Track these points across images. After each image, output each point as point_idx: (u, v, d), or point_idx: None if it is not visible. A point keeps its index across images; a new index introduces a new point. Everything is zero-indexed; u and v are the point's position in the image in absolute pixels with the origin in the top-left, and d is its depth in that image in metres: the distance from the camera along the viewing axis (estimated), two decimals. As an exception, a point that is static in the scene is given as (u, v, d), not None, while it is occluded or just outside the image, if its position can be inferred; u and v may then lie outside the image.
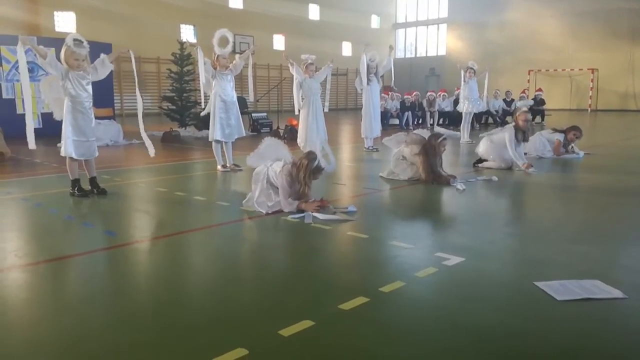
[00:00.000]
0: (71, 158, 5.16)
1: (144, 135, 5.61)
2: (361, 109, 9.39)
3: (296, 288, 2.84)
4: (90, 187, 5.32)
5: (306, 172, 4.39)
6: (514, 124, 6.92)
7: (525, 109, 6.87)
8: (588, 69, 24.92)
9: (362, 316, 2.42)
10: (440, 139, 5.85)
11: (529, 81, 24.45)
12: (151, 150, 5.67)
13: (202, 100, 6.92)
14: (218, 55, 6.60)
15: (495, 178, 6.16)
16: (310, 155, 4.45)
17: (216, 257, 3.45)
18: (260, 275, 3.06)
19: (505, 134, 6.83)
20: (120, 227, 4.23)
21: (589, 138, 11.96)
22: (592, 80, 25.69)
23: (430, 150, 5.82)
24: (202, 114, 7.14)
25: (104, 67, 5.25)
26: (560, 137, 8.15)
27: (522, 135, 6.81)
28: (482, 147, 7.09)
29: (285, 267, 3.26)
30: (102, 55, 5.28)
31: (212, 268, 3.22)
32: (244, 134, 7.09)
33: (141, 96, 5.62)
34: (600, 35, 25.45)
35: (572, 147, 8.32)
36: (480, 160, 7.09)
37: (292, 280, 2.98)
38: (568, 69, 25.26)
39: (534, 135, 8.10)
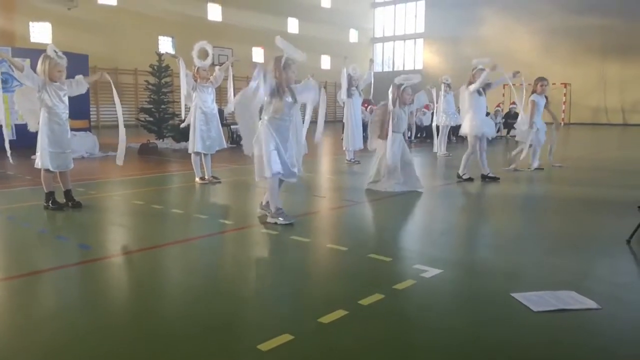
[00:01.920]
0: (47, 170, 5.06)
1: (122, 145, 5.49)
2: (341, 121, 9.44)
3: (275, 302, 2.83)
4: (64, 200, 5.22)
5: (279, 64, 4.34)
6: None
7: (481, 66, 6.92)
8: (561, 84, 25.53)
9: (342, 329, 2.42)
10: (402, 87, 6.05)
11: (504, 95, 24.95)
12: (119, 160, 5.53)
13: (183, 112, 6.88)
14: (198, 68, 6.58)
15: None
16: (276, 57, 4.42)
17: (193, 271, 3.41)
18: (238, 288, 3.04)
19: (465, 93, 6.94)
20: (96, 240, 4.16)
21: (563, 151, 12.23)
22: (565, 95, 26.32)
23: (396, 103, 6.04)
24: (182, 125, 7.09)
25: (79, 85, 5.23)
26: (533, 98, 7.98)
27: (481, 90, 6.91)
28: (466, 124, 7.04)
29: (264, 281, 3.24)
30: (78, 77, 5.23)
31: (189, 282, 3.18)
32: (225, 146, 7.06)
33: (121, 107, 5.54)
34: (572, 51, 26.16)
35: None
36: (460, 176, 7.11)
37: (271, 294, 2.96)
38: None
39: (518, 124, 8.27)
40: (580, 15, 25.83)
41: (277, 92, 4.36)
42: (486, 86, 6.98)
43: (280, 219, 4.45)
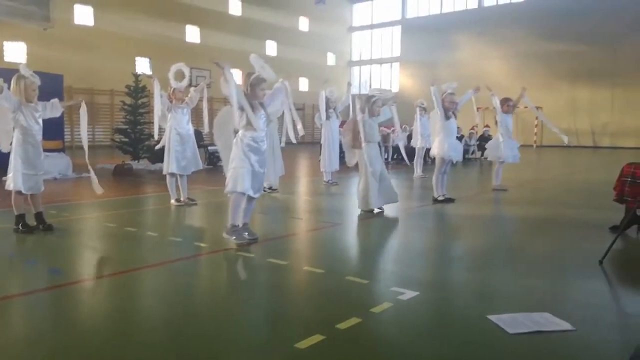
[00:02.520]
0: (18, 192, 4.94)
1: (92, 174, 5.50)
2: (319, 143, 9.49)
3: (251, 326, 2.78)
4: (35, 223, 5.09)
5: (248, 80, 4.37)
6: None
7: (450, 91, 7.10)
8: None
9: (319, 355, 2.39)
10: (372, 100, 6.16)
11: (478, 118, 25.52)
12: (97, 188, 5.50)
13: (156, 134, 6.82)
14: (174, 89, 6.56)
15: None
16: (247, 73, 4.47)
17: (166, 295, 3.34)
18: (212, 313, 2.98)
19: (437, 117, 7.13)
20: (67, 264, 4.05)
21: (535, 173, 12.48)
22: (536, 118, 26.96)
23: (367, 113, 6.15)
24: (157, 147, 7.02)
25: (53, 109, 5.18)
26: (499, 117, 8.36)
27: (451, 113, 7.07)
28: (435, 146, 7.20)
29: (240, 305, 3.19)
30: (54, 100, 5.18)
31: (162, 307, 3.11)
32: (201, 167, 7.01)
33: (87, 140, 5.53)
34: (543, 75, 26.90)
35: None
36: (436, 199, 7.18)
37: (247, 318, 2.92)
38: (520, 106, 26.43)
39: (493, 140, 8.57)
40: (551, 42, 26.66)
41: (246, 107, 4.36)
42: (455, 109, 7.14)
43: (234, 237, 4.47)
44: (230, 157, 4.50)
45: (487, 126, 17.72)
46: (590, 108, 26.24)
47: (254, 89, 4.40)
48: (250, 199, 4.55)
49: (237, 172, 4.40)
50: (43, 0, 20.17)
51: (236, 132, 4.53)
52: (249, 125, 4.38)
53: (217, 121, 4.71)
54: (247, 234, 4.55)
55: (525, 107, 8.59)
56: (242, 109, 4.35)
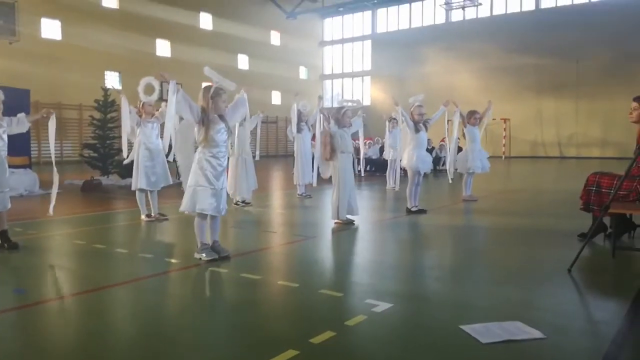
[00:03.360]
0: (-20, 210, 4.78)
1: (54, 192, 5.37)
2: (292, 155, 9.49)
3: (224, 343, 2.74)
4: (0, 242, 4.92)
5: (208, 94, 4.29)
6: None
7: (418, 103, 7.22)
8: (501, 119, 26.74)
9: (292, 370, 2.36)
10: (342, 111, 6.21)
11: (447, 130, 25.97)
12: (51, 208, 5.38)
13: (125, 152, 6.70)
14: (143, 103, 6.47)
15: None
16: (205, 86, 4.41)
17: (136, 314, 3.26)
18: (184, 330, 2.92)
19: (407, 130, 7.24)
20: (32, 284, 3.92)
21: (504, 183, 12.72)
22: (504, 129, 27.58)
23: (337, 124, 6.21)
24: (125, 162, 6.89)
25: (19, 124, 5.04)
26: (466, 130, 8.57)
27: (421, 125, 7.20)
28: (405, 158, 7.29)
29: (212, 321, 3.13)
30: (20, 115, 5.03)
31: (131, 326, 3.04)
32: (171, 182, 6.91)
33: (55, 154, 5.39)
34: (510, 88, 27.58)
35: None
36: (409, 210, 7.24)
37: (219, 335, 2.87)
38: (485, 118, 26.98)
39: (462, 153, 8.65)
40: (516, 55, 27.38)
41: (203, 121, 4.28)
42: (426, 122, 7.27)
43: (204, 254, 4.38)
44: (189, 173, 4.40)
45: (442, 140, 17.93)
46: (556, 119, 26.98)
47: (215, 101, 4.29)
48: (213, 216, 4.45)
49: (194, 191, 4.28)
50: (9, 13, 19.79)
51: (196, 147, 4.45)
52: (207, 140, 4.28)
53: (176, 135, 4.61)
54: (216, 251, 4.46)
55: (494, 119, 8.78)
56: (200, 123, 4.26)
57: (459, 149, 8.89)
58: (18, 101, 8.64)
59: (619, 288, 3.81)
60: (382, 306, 3.20)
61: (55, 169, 5.31)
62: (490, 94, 27.54)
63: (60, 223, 6.66)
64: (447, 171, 8.12)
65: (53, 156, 5.36)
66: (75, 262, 4.69)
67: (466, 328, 2.81)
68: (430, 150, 16.93)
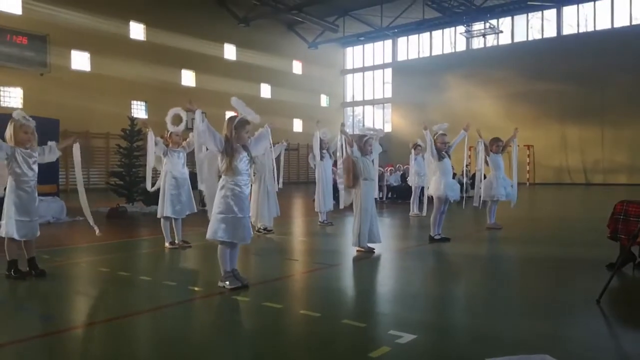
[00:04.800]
0: (11, 239, 4.90)
1: (87, 212, 5.47)
2: (313, 182, 9.54)
3: (247, 373, 2.73)
4: (28, 269, 5.03)
5: (232, 124, 4.34)
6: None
7: (442, 132, 7.19)
8: (524, 146, 26.48)
9: (316, 401, 2.34)
10: (365, 139, 6.25)
11: (470, 156, 25.76)
12: (97, 229, 5.50)
13: (149, 181, 6.84)
14: (171, 133, 6.62)
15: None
16: (230, 117, 4.46)
17: (159, 342, 3.28)
18: (206, 359, 2.93)
19: (430, 158, 7.23)
20: (59, 310, 3.99)
21: (529, 211, 12.53)
22: (528, 156, 27.27)
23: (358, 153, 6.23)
24: (151, 190, 7.02)
25: (51, 153, 5.19)
26: (490, 157, 8.46)
27: (444, 153, 7.18)
28: (432, 186, 7.27)
29: (233, 351, 3.13)
30: (51, 143, 5.19)
31: (157, 353, 3.06)
32: (195, 210, 7.00)
33: (83, 185, 5.53)
34: (533, 114, 27.37)
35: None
36: (432, 238, 7.17)
37: (243, 365, 2.86)
38: (510, 145, 26.76)
39: (486, 180, 8.52)
40: (539, 82, 27.24)
41: (227, 150, 4.35)
42: (447, 149, 7.26)
43: (227, 282, 4.40)
44: (214, 201, 4.46)
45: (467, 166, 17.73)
46: (580, 146, 26.61)
47: (238, 131, 4.38)
48: (233, 244, 4.49)
49: (216, 219, 4.34)
50: (41, 46, 20.58)
51: (219, 176, 4.52)
52: (230, 169, 4.35)
53: (199, 165, 4.70)
54: (236, 279, 4.47)
55: (517, 146, 8.71)
56: (223, 152, 4.34)
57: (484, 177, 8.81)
58: (48, 131, 8.90)
59: (651, 320, 3.69)
60: (406, 337, 3.16)
61: (83, 196, 5.42)
62: (512, 120, 27.41)
63: (86, 250, 6.77)
64: (476, 199, 8.03)
65: (80, 183, 5.48)
66: (100, 290, 4.75)
67: (492, 361, 2.75)
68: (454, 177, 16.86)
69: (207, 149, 4.61)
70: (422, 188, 11.58)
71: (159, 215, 6.70)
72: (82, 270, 5.60)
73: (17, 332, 3.44)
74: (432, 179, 7.30)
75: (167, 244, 6.69)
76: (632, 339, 3.35)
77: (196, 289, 4.56)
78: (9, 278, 4.88)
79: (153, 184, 6.86)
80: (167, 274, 5.48)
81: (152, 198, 10.56)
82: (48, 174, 10.46)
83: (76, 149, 5.41)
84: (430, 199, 7.52)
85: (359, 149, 6.24)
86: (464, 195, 15.96)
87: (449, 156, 7.29)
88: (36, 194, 5.05)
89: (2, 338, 3.31)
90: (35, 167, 5.02)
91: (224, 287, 4.38)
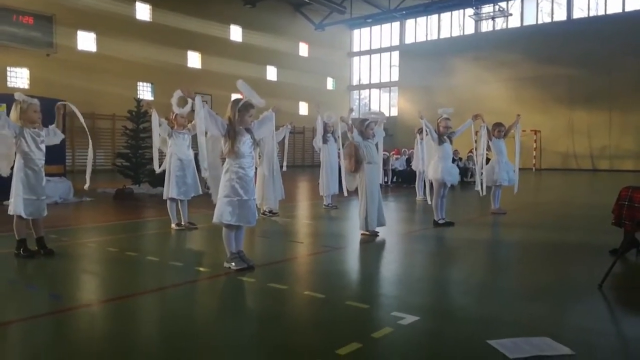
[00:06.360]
0: (19, 217, 4.97)
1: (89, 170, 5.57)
2: (319, 166, 9.56)
3: (250, 355, 2.78)
4: (36, 248, 5.10)
5: (236, 106, 4.36)
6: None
7: (445, 115, 7.18)
8: (531, 131, 26.34)
9: (319, 380, 2.39)
10: (366, 124, 6.24)
11: (476, 141, 25.67)
12: (87, 183, 5.59)
13: (156, 165, 6.89)
14: (176, 115, 6.64)
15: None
16: (234, 99, 4.47)
17: (166, 321, 3.34)
18: (212, 339, 2.98)
19: (431, 141, 7.25)
20: (67, 289, 4.06)
21: (534, 196, 12.51)
22: (535, 141, 27.13)
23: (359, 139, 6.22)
24: (158, 171, 7.07)
25: (55, 136, 5.26)
26: (492, 142, 8.45)
27: (445, 137, 7.19)
28: (430, 170, 7.30)
29: (238, 330, 3.19)
30: (51, 127, 5.24)
31: (161, 334, 3.12)
32: (200, 192, 7.04)
33: (93, 149, 5.59)
34: (541, 99, 27.17)
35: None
36: (436, 223, 7.20)
37: (245, 345, 2.92)
38: (512, 131, 26.59)
39: (488, 165, 8.48)
40: (547, 66, 26.96)
41: (229, 133, 4.36)
42: (451, 134, 7.25)
43: (233, 264, 4.45)
44: (219, 185, 4.49)
45: (470, 152, 17.74)
46: (588, 131, 26.43)
47: (242, 114, 4.38)
48: (238, 227, 4.53)
49: (222, 202, 4.38)
50: (47, 26, 20.54)
51: (223, 160, 4.54)
52: (233, 152, 4.36)
53: (202, 149, 4.70)
54: (242, 260, 4.53)
55: (524, 131, 8.65)
56: (226, 136, 4.35)
57: (487, 160, 8.79)
58: (54, 111, 8.93)
59: (653, 305, 3.72)
60: (409, 319, 3.20)
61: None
62: (520, 104, 27.27)
63: (94, 230, 6.85)
64: (478, 184, 8.02)
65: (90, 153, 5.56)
66: (108, 269, 4.82)
67: (493, 343, 2.79)
68: (455, 162, 16.82)
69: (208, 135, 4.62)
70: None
71: (164, 197, 6.75)
72: (90, 249, 5.67)
73: (26, 310, 3.51)
74: (431, 162, 7.31)
75: (173, 225, 6.76)
76: (631, 322, 3.38)
77: (202, 269, 4.62)
78: (18, 257, 4.97)
79: (160, 165, 6.90)
80: (173, 254, 5.55)
81: (159, 180, 10.63)
82: (55, 154, 10.51)
83: (75, 109, 5.49)
84: (430, 183, 7.53)
85: (360, 133, 6.23)
86: (468, 179, 15.97)
87: (450, 141, 7.28)
88: (43, 174, 5.11)
89: (11, 315, 3.38)
90: (43, 147, 5.07)
91: (229, 268, 4.44)
